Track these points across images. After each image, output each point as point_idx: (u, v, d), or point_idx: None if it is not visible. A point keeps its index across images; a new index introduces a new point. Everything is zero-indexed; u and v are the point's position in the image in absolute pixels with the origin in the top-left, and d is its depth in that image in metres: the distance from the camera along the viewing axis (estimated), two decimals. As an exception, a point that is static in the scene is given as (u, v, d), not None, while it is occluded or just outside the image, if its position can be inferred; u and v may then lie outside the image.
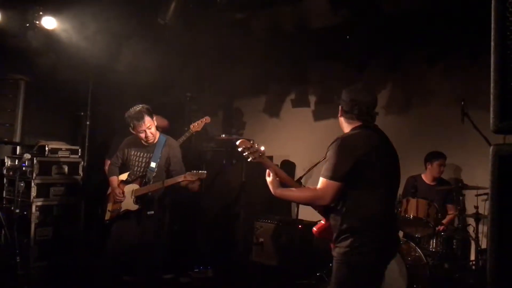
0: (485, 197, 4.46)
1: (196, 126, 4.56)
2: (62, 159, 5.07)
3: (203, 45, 5.50)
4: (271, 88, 6.60)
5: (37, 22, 4.75)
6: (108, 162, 4.61)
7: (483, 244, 4.41)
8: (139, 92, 5.22)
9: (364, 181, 2.33)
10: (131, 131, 3.89)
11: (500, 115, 1.19)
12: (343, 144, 2.38)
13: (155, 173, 3.87)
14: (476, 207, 4.30)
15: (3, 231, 4.37)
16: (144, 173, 3.91)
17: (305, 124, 6.22)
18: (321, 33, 4.90)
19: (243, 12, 4.97)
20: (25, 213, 4.71)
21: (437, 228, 4.29)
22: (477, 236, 4.25)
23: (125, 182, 4.00)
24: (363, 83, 5.35)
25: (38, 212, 4.80)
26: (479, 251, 4.22)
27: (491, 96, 1.21)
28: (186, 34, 5.17)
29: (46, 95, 5.35)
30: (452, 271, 4.24)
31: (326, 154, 2.42)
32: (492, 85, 1.20)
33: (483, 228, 4.44)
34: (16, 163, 4.85)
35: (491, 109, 1.21)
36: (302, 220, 5.18)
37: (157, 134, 3.96)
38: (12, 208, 4.49)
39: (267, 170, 2.57)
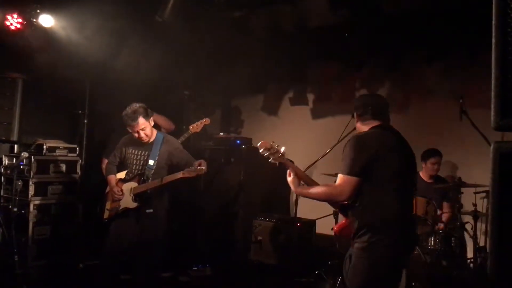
0: (483, 194, 4.48)
1: (195, 127, 4.55)
2: (60, 158, 5.06)
3: (201, 43, 5.49)
4: (270, 86, 6.60)
5: (35, 20, 4.73)
6: (105, 160, 4.60)
7: (482, 242, 4.43)
8: (137, 90, 5.21)
9: (378, 179, 2.42)
10: (128, 129, 3.88)
11: (501, 113, 1.19)
12: (358, 141, 2.49)
13: (153, 171, 3.86)
14: (475, 205, 4.31)
15: (1, 230, 4.35)
16: (142, 171, 3.90)
17: (303, 123, 6.22)
18: (320, 32, 4.91)
19: (242, 11, 4.97)
20: (23, 211, 4.69)
21: (436, 227, 4.30)
22: (475, 234, 4.26)
23: (124, 181, 4.00)
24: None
25: (36, 211, 4.78)
26: (477, 249, 4.23)
27: (492, 94, 1.20)
28: (184, 32, 5.16)
29: (44, 94, 5.34)
30: (450, 269, 4.25)
31: (343, 152, 2.51)
32: (493, 82, 1.19)
33: (481, 226, 4.45)
34: (14, 161, 4.84)
35: (492, 106, 1.20)
36: (300, 218, 5.18)
37: (154, 133, 3.94)
38: (10, 206, 4.48)
39: (288, 170, 2.67)
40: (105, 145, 5.17)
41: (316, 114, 6.18)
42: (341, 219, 2.89)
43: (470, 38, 4.50)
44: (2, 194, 4.97)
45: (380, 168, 2.41)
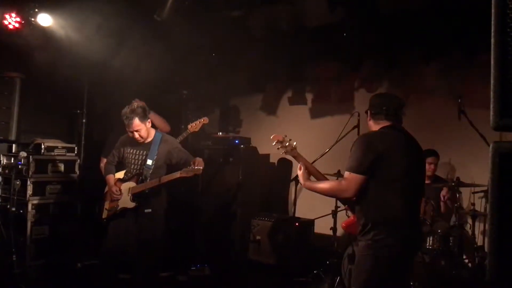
0: (481, 194, 4.49)
1: (194, 126, 4.55)
2: (58, 157, 5.05)
3: (200, 43, 5.49)
4: (268, 86, 6.60)
5: (33, 19, 4.72)
6: (103, 160, 4.60)
7: (480, 242, 4.44)
8: (135, 90, 5.20)
9: (384, 178, 2.45)
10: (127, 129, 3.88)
11: (500, 112, 1.19)
12: (365, 139, 2.55)
13: (151, 171, 3.85)
14: (473, 204, 4.32)
15: (-1, 230, 4.35)
16: (140, 170, 3.89)
17: (302, 122, 6.22)
18: (319, 32, 4.91)
19: (241, 10, 4.97)
20: (21, 211, 4.69)
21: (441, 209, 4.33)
22: (473, 233, 4.27)
23: (122, 180, 3.99)
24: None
25: (34, 211, 4.78)
26: (475, 248, 4.24)
27: (491, 93, 1.20)
28: (183, 32, 5.15)
29: (42, 93, 5.33)
30: (448, 269, 4.25)
31: (350, 150, 2.55)
32: (492, 82, 1.20)
33: (480, 226, 4.46)
34: (12, 161, 4.83)
35: (491, 106, 1.21)
36: (299, 218, 5.19)
37: (152, 133, 3.94)
38: (8, 206, 4.47)
39: (299, 164, 2.74)
40: (104, 145, 5.16)
41: (315, 113, 6.18)
42: (344, 218, 2.92)
43: (469, 37, 4.51)
44: (0, 193, 4.96)
45: (386, 167, 2.44)
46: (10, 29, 4.67)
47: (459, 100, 3.97)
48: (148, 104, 3.94)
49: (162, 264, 4.48)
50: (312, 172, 2.75)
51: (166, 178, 3.79)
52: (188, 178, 3.78)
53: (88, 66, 5.40)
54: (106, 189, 4.08)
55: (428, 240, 4.41)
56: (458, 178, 4.65)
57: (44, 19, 4.76)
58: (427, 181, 4.76)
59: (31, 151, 4.87)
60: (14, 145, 5.09)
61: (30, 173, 4.78)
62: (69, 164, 5.14)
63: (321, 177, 2.76)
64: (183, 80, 6.25)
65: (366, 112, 2.76)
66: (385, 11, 4.29)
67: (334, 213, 4.60)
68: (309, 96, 6.24)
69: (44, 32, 4.83)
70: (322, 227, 5.05)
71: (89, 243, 4.95)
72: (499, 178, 1.20)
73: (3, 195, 4.90)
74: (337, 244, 4.68)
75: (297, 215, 5.14)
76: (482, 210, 4.50)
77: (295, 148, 2.74)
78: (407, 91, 5.43)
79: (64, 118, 5.91)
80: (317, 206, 5.01)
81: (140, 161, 3.91)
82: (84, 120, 5.61)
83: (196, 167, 3.68)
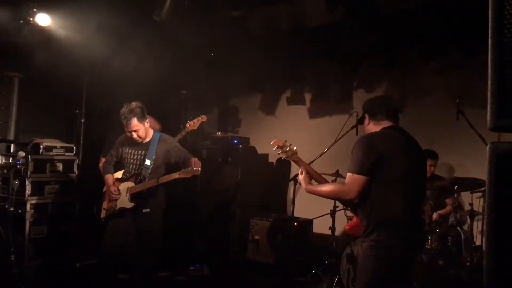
0: (479, 194, 4.49)
1: (192, 124, 4.54)
2: (56, 157, 5.04)
3: (199, 43, 5.48)
4: (267, 86, 6.60)
5: (31, 18, 4.71)
6: (102, 159, 4.59)
7: (478, 241, 4.44)
8: (134, 89, 5.20)
9: (386, 179, 2.45)
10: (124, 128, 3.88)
11: (497, 113, 1.19)
12: (366, 141, 2.54)
13: (150, 170, 3.85)
14: (471, 204, 4.32)
15: (-3, 230, 4.35)
16: (139, 170, 3.89)
17: (300, 122, 6.22)
18: (318, 32, 4.91)
19: (240, 10, 4.97)
20: (19, 211, 4.68)
21: (433, 217, 4.33)
22: (471, 233, 4.27)
23: (120, 180, 3.99)
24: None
25: (32, 210, 4.77)
26: (473, 248, 4.25)
27: (488, 94, 1.21)
28: (182, 32, 5.15)
29: (40, 93, 5.32)
30: (447, 268, 4.26)
31: (352, 152, 2.55)
32: (489, 82, 1.20)
33: (478, 225, 4.46)
34: (11, 161, 4.82)
35: (488, 107, 1.21)
36: (297, 218, 5.19)
37: (150, 132, 3.93)
38: (7, 206, 4.46)
39: (300, 168, 2.74)
40: (102, 145, 5.16)
41: (313, 113, 6.19)
42: (341, 219, 2.93)
43: (468, 38, 4.52)
44: (-2, 193, 4.96)
45: (387, 168, 2.44)
46: (9, 29, 4.67)
47: (458, 100, 3.97)
48: (147, 104, 3.94)
49: (161, 264, 4.47)
50: (313, 176, 2.75)
51: (165, 179, 3.79)
52: (186, 179, 3.78)
53: (87, 65, 5.40)
54: (105, 189, 4.08)
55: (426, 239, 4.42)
56: (456, 178, 4.67)
57: (43, 19, 4.75)
58: (426, 181, 4.78)
59: (30, 151, 4.86)
60: (12, 145, 5.08)
61: (29, 173, 4.77)
62: (68, 164, 5.14)
63: (322, 180, 2.76)
64: (182, 80, 6.25)
65: (361, 118, 2.76)
66: (384, 12, 4.30)
67: (333, 213, 4.60)
68: (308, 96, 6.24)
69: (42, 32, 4.82)
70: (321, 227, 5.06)
71: (88, 243, 4.94)
72: (496, 178, 1.21)
73: (1, 195, 4.89)
74: (335, 244, 4.69)
75: (295, 215, 5.14)
76: (480, 210, 4.50)
77: (295, 152, 2.75)
78: (406, 91, 5.44)
79: (63, 118, 5.91)
80: (315, 206, 5.01)
81: (138, 161, 3.91)
82: (82, 120, 5.61)
83: (195, 168, 3.69)
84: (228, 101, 7.04)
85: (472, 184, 4.35)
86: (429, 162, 4.69)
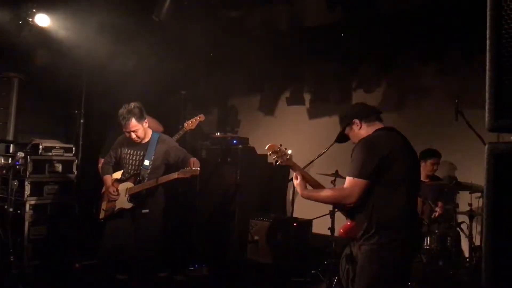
0: (478, 194, 4.49)
1: (190, 124, 4.54)
2: (56, 158, 5.04)
3: (198, 43, 5.48)
4: (266, 86, 6.60)
5: (31, 19, 4.71)
6: (101, 160, 4.59)
7: (477, 242, 4.44)
8: (133, 90, 5.20)
9: (389, 179, 2.41)
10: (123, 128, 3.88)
11: (495, 114, 1.19)
12: (368, 143, 2.49)
13: (149, 171, 3.85)
14: (470, 205, 4.33)
15: (-4, 230, 4.34)
16: (138, 171, 3.89)
17: (300, 123, 6.22)
18: (317, 32, 4.92)
19: (238, 10, 4.97)
20: (18, 211, 4.68)
21: (433, 215, 4.32)
22: (470, 234, 4.28)
23: (119, 181, 3.98)
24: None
25: (32, 211, 4.77)
26: (473, 248, 4.25)
27: (486, 95, 1.21)
28: (181, 32, 5.15)
29: (40, 93, 5.32)
30: (446, 269, 4.26)
31: (351, 156, 2.50)
32: (487, 83, 1.20)
33: (477, 226, 4.47)
34: (10, 161, 4.82)
35: (486, 107, 1.21)
36: (297, 218, 5.19)
37: (149, 133, 3.93)
38: (6, 207, 4.46)
39: (295, 173, 2.67)
40: (101, 145, 5.16)
41: (313, 114, 6.18)
42: (341, 220, 2.88)
43: (466, 38, 4.52)
44: (-3, 194, 4.96)
45: (391, 169, 2.41)
46: (8, 29, 4.66)
47: (456, 101, 3.97)
48: (146, 104, 3.94)
49: (160, 264, 4.47)
50: (308, 181, 2.69)
51: (164, 179, 3.79)
52: (185, 179, 3.78)
53: (86, 66, 5.39)
54: (103, 189, 4.08)
55: (425, 240, 4.42)
56: (455, 178, 4.67)
57: (42, 20, 4.75)
58: (425, 180, 4.78)
59: (29, 151, 4.86)
60: (11, 145, 5.08)
61: (28, 173, 4.77)
62: (67, 164, 5.13)
63: (318, 185, 2.71)
64: (182, 80, 6.25)
65: (348, 124, 2.66)
66: (384, 12, 4.30)
67: (332, 214, 4.60)
68: (307, 97, 6.24)
69: (42, 33, 4.82)
70: (320, 227, 5.05)
71: (87, 244, 4.94)
72: (495, 178, 1.21)
73: (0, 195, 4.89)
74: (335, 245, 4.68)
75: (295, 215, 5.14)
76: (480, 211, 4.51)
77: (290, 157, 2.67)
78: (405, 91, 5.44)
79: (62, 119, 5.91)
80: (315, 206, 4.97)
81: (137, 162, 3.91)
82: (82, 121, 5.61)
83: (194, 168, 3.68)
84: (227, 101, 7.04)
85: (469, 187, 4.35)
86: (432, 161, 4.70)
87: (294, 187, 4.92)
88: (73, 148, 5.27)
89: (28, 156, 4.76)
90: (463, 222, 4.55)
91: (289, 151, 2.65)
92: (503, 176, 1.19)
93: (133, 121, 3.73)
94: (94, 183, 4.55)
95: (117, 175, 4.05)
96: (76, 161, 5.26)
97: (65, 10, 4.73)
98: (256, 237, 5.29)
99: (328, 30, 4.88)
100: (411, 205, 2.52)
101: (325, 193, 2.57)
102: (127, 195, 3.87)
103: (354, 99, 5.79)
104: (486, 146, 1.22)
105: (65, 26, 4.84)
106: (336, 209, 4.58)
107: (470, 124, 3.90)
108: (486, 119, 1.20)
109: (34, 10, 4.70)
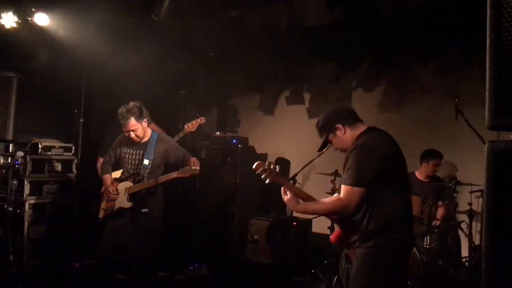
0: (478, 194, 4.50)
1: (190, 126, 4.54)
2: (55, 157, 5.04)
3: (198, 42, 5.48)
4: (266, 86, 6.60)
5: (30, 18, 4.70)
6: (100, 159, 4.59)
7: (477, 241, 4.45)
8: (133, 89, 5.20)
9: (387, 180, 2.35)
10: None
11: (495, 112, 1.19)
12: (366, 149, 2.37)
13: (148, 170, 3.85)
14: (470, 204, 4.33)
15: (-4, 230, 4.34)
16: (137, 170, 3.89)
17: (299, 122, 6.22)
18: (316, 32, 4.92)
19: (238, 10, 4.97)
20: (18, 211, 4.68)
21: (433, 223, 4.32)
22: (470, 233, 4.28)
23: (119, 180, 3.98)
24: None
25: (31, 210, 4.77)
26: (472, 248, 4.25)
27: (486, 93, 1.21)
28: (180, 31, 5.15)
29: (39, 93, 5.31)
30: (446, 268, 4.27)
31: (346, 162, 2.40)
32: (487, 82, 1.20)
33: (477, 225, 4.47)
34: (9, 160, 4.82)
35: (486, 106, 1.21)
36: (297, 218, 5.19)
37: (148, 132, 3.93)
38: (5, 206, 4.46)
39: (282, 188, 2.55)
40: (101, 144, 5.16)
41: (312, 113, 6.18)
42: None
43: (466, 37, 4.52)
44: (-3, 193, 4.95)
45: (388, 170, 2.34)
46: (7, 28, 4.66)
47: (456, 100, 3.97)
48: (146, 104, 3.93)
49: (160, 264, 4.47)
50: (300, 196, 2.57)
51: (163, 178, 3.79)
52: (185, 178, 3.77)
53: (85, 65, 5.39)
54: (103, 189, 4.08)
55: (425, 239, 4.43)
56: (455, 178, 4.68)
57: (41, 19, 4.74)
58: (425, 180, 4.79)
59: (28, 151, 4.86)
60: (11, 145, 5.08)
61: (27, 172, 4.77)
62: (66, 163, 5.13)
63: (309, 198, 2.60)
64: (181, 80, 6.25)
65: (331, 131, 2.57)
66: (383, 12, 4.30)
67: (332, 213, 4.59)
68: (306, 96, 6.24)
69: (41, 32, 4.81)
70: (320, 226, 5.05)
71: (86, 243, 4.94)
72: (494, 177, 1.21)
73: (0, 194, 4.89)
74: (335, 244, 4.68)
75: (295, 214, 5.14)
76: (480, 210, 4.51)
77: (279, 173, 2.52)
78: (404, 90, 5.44)
79: (62, 118, 5.90)
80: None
81: (136, 161, 3.91)
82: (81, 120, 5.60)
83: (194, 168, 3.68)
84: (227, 101, 7.04)
85: (469, 186, 4.36)
86: (435, 162, 4.70)
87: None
88: (73, 147, 5.27)
89: (28, 156, 4.76)
90: (463, 221, 4.55)
91: (277, 167, 2.52)
92: (503, 174, 1.19)
93: (132, 121, 3.73)
94: (93, 183, 4.55)
95: (117, 174, 4.05)
96: (76, 160, 5.26)
97: (65, 9, 4.73)
98: (255, 237, 5.29)
99: (327, 30, 4.88)
100: (408, 204, 2.48)
101: (321, 205, 2.45)
102: (126, 195, 3.86)
103: (353, 99, 5.79)
104: (486, 145, 1.22)
105: (64, 25, 4.83)
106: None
107: (470, 124, 3.90)
108: (486, 117, 1.20)
109: (33, 10, 4.70)
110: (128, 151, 3.95)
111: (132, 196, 3.85)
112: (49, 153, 5.01)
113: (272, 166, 2.50)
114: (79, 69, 5.47)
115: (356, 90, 5.81)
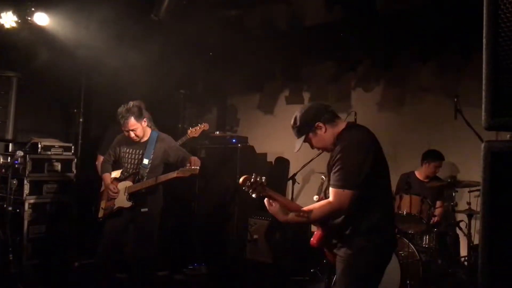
0: (477, 193, 4.50)
1: (193, 131, 4.56)
2: (55, 156, 5.04)
3: (197, 42, 5.48)
4: (266, 85, 6.60)
5: (30, 18, 4.70)
6: (100, 157, 4.59)
7: (476, 240, 4.45)
8: (132, 89, 5.20)
9: (377, 177, 2.27)
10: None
11: (492, 112, 1.20)
12: (354, 148, 2.27)
13: (148, 170, 3.85)
14: (469, 203, 4.33)
15: (-5, 229, 4.34)
16: (137, 170, 3.89)
17: (299, 121, 6.21)
18: (316, 31, 4.91)
19: (237, 9, 4.97)
20: (17, 210, 4.68)
21: (431, 220, 4.33)
22: (469, 232, 4.28)
23: (118, 180, 3.99)
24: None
25: (31, 210, 4.77)
26: (471, 247, 4.25)
27: (483, 93, 1.21)
28: (180, 31, 5.15)
29: (39, 92, 5.32)
30: (445, 267, 4.27)
31: (331, 163, 2.31)
32: (484, 82, 1.21)
33: (476, 224, 4.47)
34: (9, 160, 4.82)
35: (483, 106, 1.22)
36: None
37: (148, 132, 3.94)
38: (5, 205, 4.46)
39: (266, 200, 2.40)
40: (101, 142, 5.16)
41: (312, 113, 6.17)
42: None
43: (465, 36, 4.52)
44: (-4, 193, 4.95)
45: (378, 167, 2.28)
46: (7, 28, 4.66)
47: (455, 99, 3.97)
48: (145, 103, 3.94)
49: (159, 263, 4.48)
50: (289, 206, 2.43)
51: (163, 178, 3.79)
52: (185, 178, 3.78)
53: (85, 65, 5.39)
54: (102, 188, 4.08)
55: (424, 238, 4.44)
56: (454, 177, 4.68)
57: (41, 19, 4.74)
58: (424, 180, 4.79)
59: (28, 150, 4.86)
60: (10, 144, 5.08)
61: (27, 172, 4.77)
62: (66, 163, 5.14)
63: (295, 207, 2.44)
64: (181, 79, 6.25)
65: (307, 135, 2.44)
66: (382, 11, 4.30)
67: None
68: (306, 95, 6.24)
69: (40, 32, 4.82)
70: (319, 226, 5.05)
71: (86, 243, 4.94)
72: (491, 176, 1.21)
73: (-1, 194, 4.90)
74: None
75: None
76: (479, 209, 4.51)
77: (265, 185, 2.35)
78: (404, 90, 5.44)
79: (61, 117, 5.91)
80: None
81: (136, 161, 3.91)
82: (81, 120, 5.61)
83: (193, 167, 3.68)
84: (226, 100, 7.03)
85: (468, 185, 4.36)
86: (436, 164, 4.69)
87: (293, 186, 4.95)
88: (72, 147, 5.28)
89: (27, 155, 4.77)
90: (461, 220, 4.56)
91: (263, 178, 2.34)
92: (500, 174, 1.20)
93: (132, 120, 3.73)
94: (93, 182, 4.55)
95: (116, 174, 4.06)
96: (75, 160, 5.26)
97: (64, 9, 4.72)
98: (255, 236, 5.30)
99: (327, 29, 4.88)
100: (390, 204, 2.44)
101: (313, 214, 2.29)
102: (126, 194, 3.87)
103: (353, 98, 5.79)
104: (483, 144, 1.22)
105: (64, 25, 4.83)
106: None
107: (469, 123, 3.91)
108: (483, 117, 1.21)
109: (33, 9, 4.70)
110: (127, 150, 3.96)
111: (131, 196, 3.85)
112: (49, 152, 5.01)
113: (258, 179, 2.34)
114: (79, 69, 5.47)
115: (355, 89, 5.81)
